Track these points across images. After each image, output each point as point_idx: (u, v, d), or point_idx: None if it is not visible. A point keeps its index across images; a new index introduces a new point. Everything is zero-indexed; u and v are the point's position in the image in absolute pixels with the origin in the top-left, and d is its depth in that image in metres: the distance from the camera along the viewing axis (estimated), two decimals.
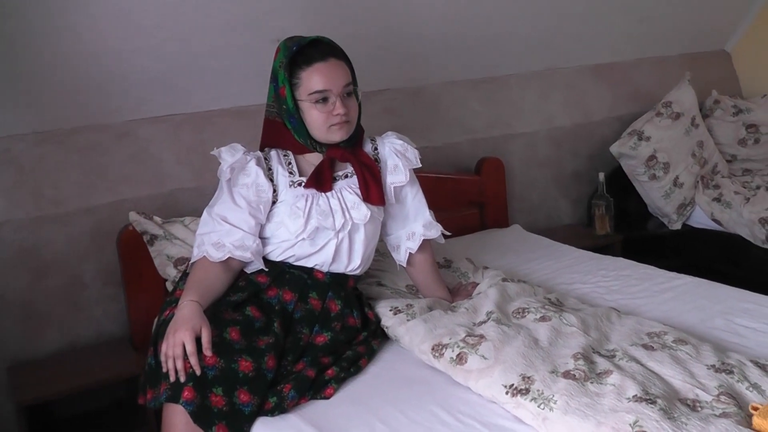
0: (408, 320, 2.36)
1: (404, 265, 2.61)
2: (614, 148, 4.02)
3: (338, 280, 2.41)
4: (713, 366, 1.99)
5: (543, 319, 2.30)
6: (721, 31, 4.96)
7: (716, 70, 4.97)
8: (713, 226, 3.97)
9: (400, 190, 2.54)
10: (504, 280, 2.66)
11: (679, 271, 2.97)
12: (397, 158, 2.49)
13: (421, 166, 2.54)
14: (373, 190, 2.39)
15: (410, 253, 2.57)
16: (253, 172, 2.33)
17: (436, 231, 2.58)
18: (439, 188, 3.56)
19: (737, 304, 2.56)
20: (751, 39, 4.97)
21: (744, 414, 1.75)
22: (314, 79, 2.25)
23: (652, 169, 3.99)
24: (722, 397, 1.82)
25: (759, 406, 1.76)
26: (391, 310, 2.43)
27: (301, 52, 2.26)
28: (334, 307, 2.33)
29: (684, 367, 1.99)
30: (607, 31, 4.20)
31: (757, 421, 1.69)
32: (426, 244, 2.58)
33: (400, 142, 2.52)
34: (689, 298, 2.67)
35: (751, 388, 1.88)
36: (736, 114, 4.53)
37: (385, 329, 2.41)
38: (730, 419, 1.70)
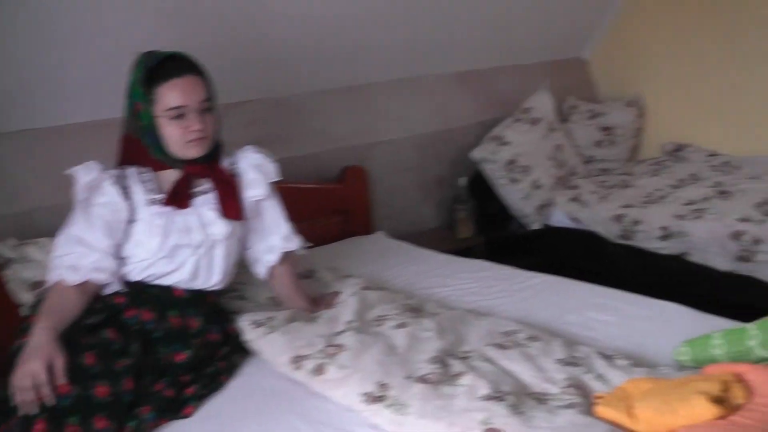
0: (268, 333, 2.34)
1: (265, 278, 2.61)
2: (475, 154, 4.13)
3: (198, 296, 2.38)
4: (562, 360, 2.07)
5: (401, 325, 2.33)
6: (577, 39, 5.14)
7: (573, 76, 5.16)
8: (571, 224, 4.12)
9: (259, 204, 2.53)
10: (365, 288, 2.68)
11: (540, 269, 3.07)
12: (255, 172, 2.48)
13: (279, 179, 2.54)
14: (231, 205, 2.38)
15: (271, 266, 2.57)
16: (109, 192, 2.28)
17: (295, 243, 2.59)
18: (303, 198, 3.56)
19: (590, 299, 2.67)
20: (606, 46, 5.18)
21: (589, 404, 1.83)
22: (171, 95, 2.21)
23: (512, 173, 4.11)
24: (569, 389, 1.90)
25: (603, 395, 1.84)
26: (252, 324, 2.41)
27: (158, 68, 2.22)
28: (194, 324, 2.30)
29: (534, 363, 2.06)
30: (469, 39, 4.28)
31: (600, 409, 1.77)
32: (286, 256, 2.58)
33: (258, 156, 2.51)
34: (545, 295, 2.77)
35: (596, 379, 1.96)
36: (592, 118, 4.74)
37: (247, 343, 2.39)
38: (575, 409, 1.78)
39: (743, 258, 3.37)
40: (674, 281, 3.65)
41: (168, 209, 2.31)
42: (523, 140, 4.19)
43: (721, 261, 3.47)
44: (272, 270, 2.58)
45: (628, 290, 2.79)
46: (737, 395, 1.68)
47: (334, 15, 3.54)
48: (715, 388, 1.66)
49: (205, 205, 2.37)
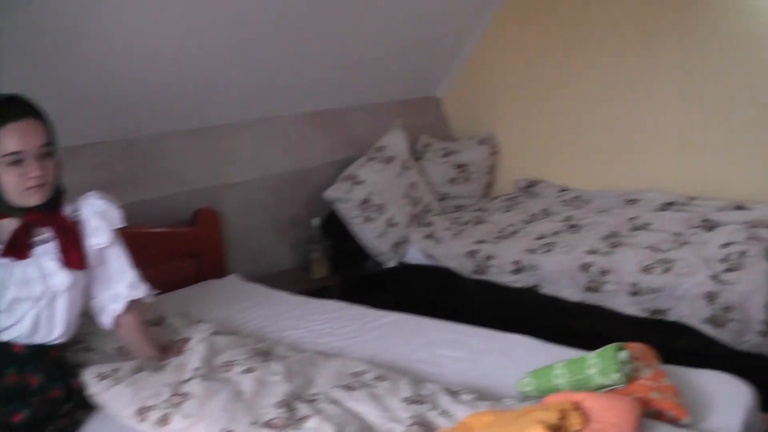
0: (113, 385, 2.25)
1: (111, 328, 2.49)
2: (329, 194, 4.12)
3: (39, 351, 2.25)
4: (408, 398, 2.06)
5: (249, 370, 2.29)
6: (431, 78, 5.25)
7: (428, 114, 5.25)
8: (426, 261, 4.15)
9: (103, 252, 2.42)
10: (214, 333, 2.61)
11: (396, 307, 3.07)
12: (98, 219, 2.38)
13: (124, 225, 2.44)
14: (73, 254, 2.27)
15: (116, 315, 2.46)
16: None
17: (141, 291, 2.48)
18: (154, 242, 3.47)
19: (440, 336, 2.68)
20: (459, 85, 5.30)
21: None
22: (7, 139, 2.10)
23: (367, 212, 4.12)
24: (414, 427, 1.89)
25: (445, 430, 1.85)
26: (96, 377, 2.30)
27: None
28: (33, 381, 2.17)
29: (380, 403, 2.05)
30: (322, 79, 4.29)
31: None
32: (133, 304, 2.47)
33: (102, 202, 2.41)
34: (397, 333, 2.77)
35: (441, 415, 1.97)
36: (446, 155, 4.81)
37: (91, 397, 2.28)
38: None
39: (592, 289, 3.48)
40: (527, 313, 3.73)
41: (6, 260, 2.19)
42: (376, 179, 4.21)
43: (571, 292, 3.56)
44: (118, 319, 2.47)
45: (483, 324, 2.83)
46: (574, 422, 1.72)
47: (185, 54, 3.46)
48: (552, 417, 1.69)
49: (46, 254, 2.26)
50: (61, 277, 2.25)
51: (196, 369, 2.31)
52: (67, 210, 2.36)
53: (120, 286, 2.45)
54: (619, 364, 1.98)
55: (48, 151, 2.20)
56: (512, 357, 2.42)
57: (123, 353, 2.58)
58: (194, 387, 2.17)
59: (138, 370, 2.36)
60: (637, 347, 2.12)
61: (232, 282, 3.62)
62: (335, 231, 4.19)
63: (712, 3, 4.10)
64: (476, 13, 4.93)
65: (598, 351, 2.06)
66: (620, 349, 2.04)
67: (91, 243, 2.36)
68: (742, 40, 4.03)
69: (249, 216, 4.08)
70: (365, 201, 4.13)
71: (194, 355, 2.43)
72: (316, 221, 4.05)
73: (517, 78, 5.01)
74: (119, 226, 2.43)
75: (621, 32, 4.47)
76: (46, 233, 2.28)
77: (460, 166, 4.82)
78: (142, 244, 3.33)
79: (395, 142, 4.45)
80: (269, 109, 4.17)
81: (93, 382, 2.29)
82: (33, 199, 2.19)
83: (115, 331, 2.51)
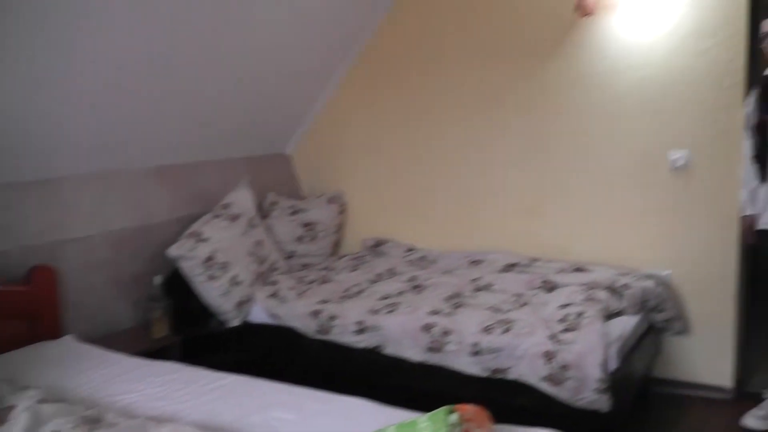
0: None
1: None
2: (172, 251, 4.05)
3: None
4: None
5: None
6: (281, 136, 5.28)
7: (277, 171, 5.27)
8: (270, 321, 4.12)
9: None
10: (41, 401, 2.50)
11: (239, 367, 3.04)
12: None
13: None
14: None
15: None
16: None
17: None
18: None
19: (275, 398, 2.67)
20: (309, 143, 5.36)
21: None
22: None
23: (210, 270, 4.08)
24: None
25: None
26: None
27: None
28: None
29: None
30: (170, 134, 4.25)
31: None
32: None
33: None
34: (233, 396, 2.73)
35: None
36: (293, 213, 4.83)
37: None
38: None
39: (434, 349, 3.54)
40: (371, 374, 3.77)
41: None
42: (222, 236, 4.18)
43: (413, 352, 3.62)
44: None
45: (327, 385, 2.83)
46: None
47: (22, 103, 3.35)
48: None
49: None
50: None
51: None
52: None
53: None
54: (449, 426, 2.01)
55: None
56: (347, 419, 2.43)
57: None
58: None
59: None
60: (469, 409, 2.16)
61: (68, 343, 3.47)
62: (178, 289, 4.12)
63: (555, 74, 4.34)
64: (326, 72, 5.02)
65: (429, 414, 2.09)
66: (451, 411, 2.07)
67: None
68: (585, 111, 4.29)
69: (89, 273, 3.95)
70: (209, 259, 4.08)
71: (17, 425, 2.33)
72: (157, 279, 3.96)
73: (365, 137, 5.11)
74: None
75: (467, 97, 4.66)
76: None
77: (308, 225, 4.84)
78: None
79: (242, 199, 4.44)
80: (113, 162, 4.09)
81: None
82: None
83: None
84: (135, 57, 3.61)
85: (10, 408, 2.47)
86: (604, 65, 4.17)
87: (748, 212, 3.71)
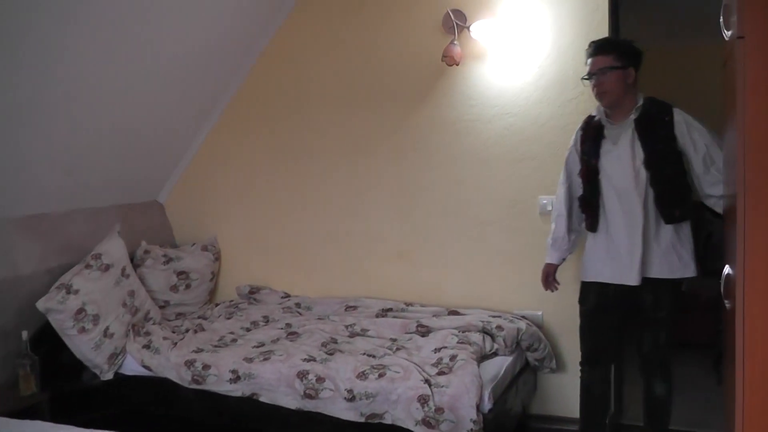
0: None
1: None
2: (41, 304, 3.93)
3: None
4: None
5: None
6: (153, 183, 5.23)
7: (150, 219, 5.20)
8: (145, 372, 4.06)
9: None
10: None
11: (112, 421, 3.00)
12: None
13: None
14: None
15: None
16: None
17: None
18: None
19: None
20: (182, 190, 5.33)
21: None
22: None
23: (81, 322, 3.99)
24: None
25: None
26: None
27: None
28: None
29: None
30: (36, 182, 4.13)
31: None
32: None
33: None
34: None
35: None
36: (167, 262, 4.78)
37: None
38: None
39: (309, 396, 3.57)
40: (247, 423, 3.77)
41: None
42: (93, 288, 4.09)
43: (289, 400, 3.64)
44: None
45: None
46: None
47: None
48: None
49: None
50: None
51: None
52: None
53: None
54: None
55: None
56: None
57: None
58: None
59: None
60: None
61: None
62: (48, 343, 4.01)
63: (425, 120, 4.48)
64: (199, 118, 5.03)
65: None
66: None
67: None
68: (455, 158, 4.43)
69: None
70: (80, 311, 4.00)
71: None
72: (24, 334, 3.84)
73: (238, 184, 5.13)
74: None
75: (338, 143, 4.75)
76: None
77: (182, 273, 4.81)
78: None
79: (113, 248, 4.36)
80: None
81: None
82: None
83: None
84: (3, 102, 3.53)
85: None
86: (472, 113, 4.33)
87: (550, 260, 3.85)
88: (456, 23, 4.23)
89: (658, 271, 3.42)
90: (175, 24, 4.08)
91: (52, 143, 4.03)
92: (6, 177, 3.91)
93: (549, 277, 3.84)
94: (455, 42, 4.22)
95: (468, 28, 4.22)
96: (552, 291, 3.87)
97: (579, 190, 3.66)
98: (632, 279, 3.42)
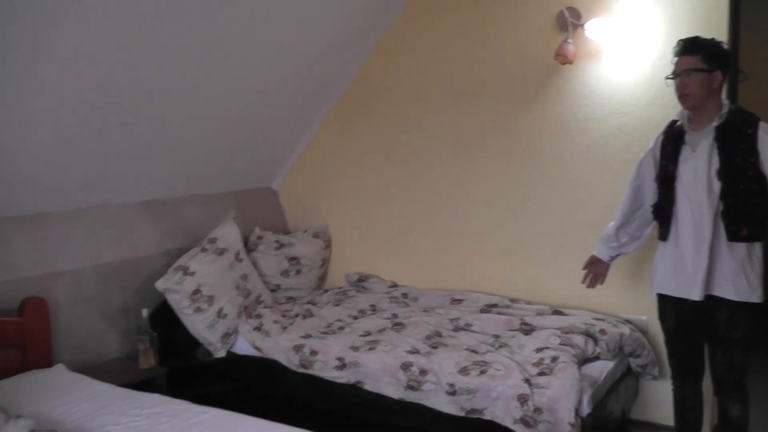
0: None
1: None
2: (159, 284, 4.15)
3: None
4: None
5: None
6: (267, 170, 5.39)
7: (263, 206, 5.38)
8: (255, 353, 4.22)
9: None
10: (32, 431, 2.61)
11: (223, 398, 3.15)
12: None
13: None
14: None
15: None
16: None
17: None
18: None
19: None
20: (295, 177, 5.48)
21: None
22: None
23: (197, 302, 4.18)
24: None
25: None
26: None
27: None
28: None
29: None
30: (156, 168, 4.35)
31: None
32: None
33: None
34: (212, 431, 2.82)
35: None
36: (279, 248, 4.93)
37: None
38: None
39: (412, 387, 3.63)
40: (351, 409, 3.87)
41: None
42: (208, 270, 4.28)
43: (392, 390, 3.71)
44: None
45: (308, 418, 2.97)
46: None
47: (15, 140, 3.47)
48: None
49: None
50: None
51: None
52: None
53: None
54: None
55: None
56: None
57: None
58: None
59: None
60: None
61: (58, 373, 3.59)
62: (165, 321, 4.21)
63: (535, 118, 4.45)
64: (312, 108, 5.14)
65: None
66: None
67: None
68: (563, 157, 4.39)
69: (78, 305, 4.06)
70: (196, 292, 4.18)
71: None
72: (145, 312, 4.05)
73: (349, 174, 5.23)
74: None
75: (447, 138, 4.78)
76: None
77: (293, 259, 4.95)
78: None
79: (228, 233, 4.54)
80: (101, 197, 4.19)
81: None
82: None
83: None
84: (120, 94, 3.71)
85: None
86: (584, 112, 4.27)
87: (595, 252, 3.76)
88: (571, 21, 4.20)
89: (723, 291, 3.24)
90: (290, 21, 4.19)
91: (169, 133, 4.21)
92: (125, 166, 4.14)
93: (588, 268, 3.76)
94: (569, 40, 4.18)
95: (582, 26, 4.18)
96: (588, 287, 3.77)
97: (650, 196, 3.54)
98: (695, 294, 3.26)
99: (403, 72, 4.93)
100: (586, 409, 3.34)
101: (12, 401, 3.07)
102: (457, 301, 4.54)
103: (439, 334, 4.02)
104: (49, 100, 3.42)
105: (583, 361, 3.64)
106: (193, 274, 4.21)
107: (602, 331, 3.87)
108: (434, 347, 3.82)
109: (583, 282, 3.79)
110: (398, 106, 4.95)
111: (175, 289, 4.15)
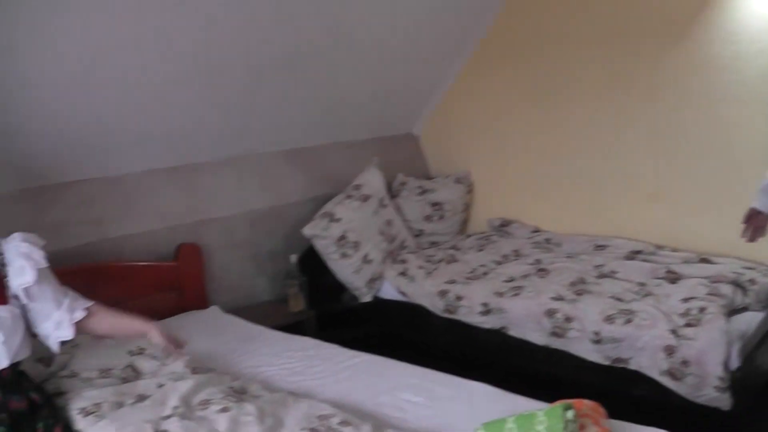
0: (98, 421, 2.38)
1: (58, 352, 2.57)
2: (307, 230, 4.25)
3: None
4: None
5: (224, 410, 2.40)
6: (408, 116, 5.38)
7: (405, 151, 5.39)
8: (400, 297, 4.28)
9: (30, 290, 2.47)
10: (194, 370, 2.75)
11: (369, 341, 3.21)
12: (22, 260, 2.45)
13: (47, 265, 2.48)
14: None
15: (63, 341, 2.52)
16: None
17: (81, 305, 2.54)
18: (138, 276, 3.64)
19: (404, 380, 2.80)
20: (436, 123, 5.44)
21: None
22: None
23: (343, 248, 4.25)
24: None
25: None
26: (80, 413, 2.44)
27: None
28: None
29: None
30: (299, 118, 4.43)
31: None
32: (90, 311, 2.54)
33: (26, 244, 2.48)
34: (363, 376, 2.88)
35: None
36: (421, 194, 4.95)
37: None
38: None
39: (556, 334, 3.60)
40: (495, 354, 3.87)
41: None
42: (353, 216, 4.34)
43: (536, 336, 3.68)
44: (85, 328, 2.54)
45: (452, 362, 2.99)
46: None
47: (168, 96, 3.61)
48: None
49: None
50: None
51: (175, 407, 2.44)
52: None
53: (59, 313, 2.50)
54: (565, 422, 2.07)
55: None
56: (472, 405, 2.53)
57: (105, 374, 2.75)
58: (173, 425, 2.31)
59: (119, 405, 2.50)
60: (586, 405, 2.23)
61: (213, 314, 3.77)
62: (312, 266, 4.31)
63: (683, 57, 4.22)
64: (453, 51, 5.06)
65: (546, 409, 2.15)
66: (568, 407, 2.13)
67: (17, 282, 2.43)
68: (712, 98, 4.14)
69: (229, 250, 4.22)
70: (342, 238, 4.26)
71: (175, 392, 2.56)
72: (293, 258, 4.17)
73: (491, 118, 5.14)
74: (44, 266, 2.48)
75: (592, 79, 4.60)
76: None
77: (436, 204, 4.95)
78: (128, 277, 3.53)
79: (372, 180, 4.59)
80: (248, 147, 4.32)
81: (78, 418, 2.44)
82: None
83: (94, 337, 2.62)
84: (268, 50, 3.80)
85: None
86: (732, 50, 4.05)
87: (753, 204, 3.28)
88: None
89: None
90: None
91: (314, 86, 4.28)
92: (271, 116, 4.25)
93: (748, 221, 3.29)
94: None
95: None
96: (748, 241, 3.32)
97: None
98: None
99: (546, 12, 4.77)
100: (735, 363, 3.18)
101: None
102: (600, 247, 4.41)
103: (583, 281, 3.91)
104: (198, 53, 3.53)
105: (731, 312, 3.44)
106: (339, 220, 4.28)
107: (752, 281, 3.66)
108: (579, 294, 3.74)
109: (743, 236, 3.55)
110: (541, 47, 4.80)
111: (322, 235, 4.24)
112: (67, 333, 2.52)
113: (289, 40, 3.83)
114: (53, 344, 2.55)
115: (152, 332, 2.57)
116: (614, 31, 4.45)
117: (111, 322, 2.59)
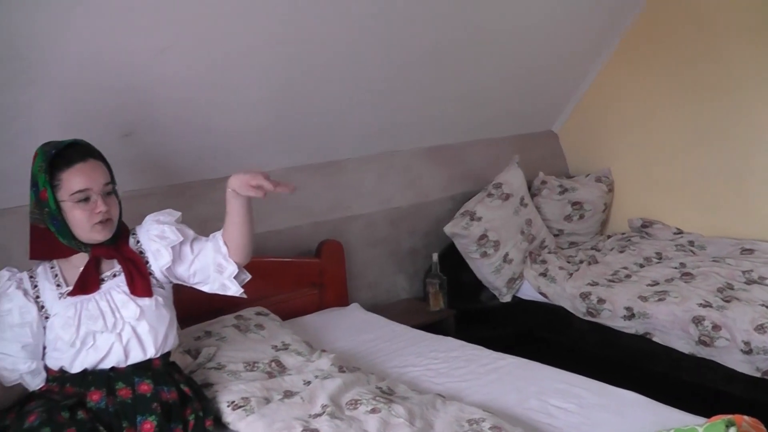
0: (247, 416, 2.44)
1: (244, 293, 2.55)
2: (447, 229, 4.26)
3: (141, 366, 2.40)
4: None
5: (373, 411, 2.42)
6: (548, 113, 5.32)
7: (544, 149, 5.32)
8: (540, 298, 4.24)
9: (179, 250, 2.52)
10: (341, 369, 2.79)
11: (509, 340, 3.17)
12: (156, 243, 2.50)
13: (181, 238, 2.50)
14: (138, 283, 2.41)
15: (243, 286, 2.55)
16: (15, 296, 2.38)
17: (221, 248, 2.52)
18: (281, 272, 3.70)
19: (551, 385, 2.75)
20: (576, 120, 5.35)
21: None
22: (75, 179, 2.30)
23: (483, 247, 4.24)
24: None
25: None
26: (229, 406, 2.51)
27: (60, 155, 2.31)
28: (146, 388, 2.33)
29: None
30: (441, 116, 4.44)
31: None
32: (226, 245, 2.53)
33: (156, 226, 2.52)
34: (510, 379, 2.85)
35: None
36: (562, 193, 4.87)
37: (226, 425, 2.48)
38: None
39: (704, 342, 3.47)
40: (638, 360, 3.78)
41: (78, 299, 2.37)
42: (494, 216, 4.32)
43: (682, 344, 3.57)
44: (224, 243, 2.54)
45: (594, 367, 2.91)
46: None
47: (313, 95, 3.69)
48: None
49: (115, 288, 2.41)
50: (129, 309, 2.38)
51: (325, 406, 2.48)
52: (130, 242, 2.52)
53: (216, 258, 2.52)
54: None
55: (111, 189, 2.40)
56: (624, 415, 2.46)
57: (250, 367, 2.84)
58: (323, 424, 2.34)
59: (267, 400, 2.56)
60: (746, 421, 2.13)
61: (354, 311, 3.81)
62: (451, 264, 4.32)
63: None
64: (595, 49, 4.96)
65: (706, 425, 2.08)
66: (731, 424, 2.04)
67: (158, 266, 2.50)
68: None
69: (370, 247, 4.28)
70: (482, 237, 4.24)
71: (323, 390, 2.60)
72: (435, 257, 4.19)
73: (632, 116, 5.01)
74: (180, 240, 2.51)
75: (743, 73, 4.42)
76: (114, 267, 2.46)
77: (576, 204, 4.87)
78: (271, 272, 3.60)
79: (513, 179, 4.54)
80: (390, 144, 4.36)
81: (227, 411, 2.50)
82: (100, 235, 2.37)
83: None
84: (415, 50, 3.83)
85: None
86: None
87: None
88: None
89: None
90: None
91: (456, 83, 4.27)
92: (414, 113, 4.27)
93: None
94: None
95: None
96: None
97: None
98: None
99: (698, 3, 4.60)
100: None
101: (314, 336, 3.30)
102: (747, 251, 4.21)
103: (731, 287, 3.76)
104: (348, 62, 3.62)
105: None
106: (479, 219, 4.27)
107: None
108: (727, 301, 3.59)
109: None
110: (691, 42, 4.62)
111: (463, 234, 4.24)
112: (233, 269, 2.52)
113: (432, 37, 3.84)
114: (233, 288, 2.53)
115: (257, 179, 2.47)
116: None
117: (231, 230, 2.52)
